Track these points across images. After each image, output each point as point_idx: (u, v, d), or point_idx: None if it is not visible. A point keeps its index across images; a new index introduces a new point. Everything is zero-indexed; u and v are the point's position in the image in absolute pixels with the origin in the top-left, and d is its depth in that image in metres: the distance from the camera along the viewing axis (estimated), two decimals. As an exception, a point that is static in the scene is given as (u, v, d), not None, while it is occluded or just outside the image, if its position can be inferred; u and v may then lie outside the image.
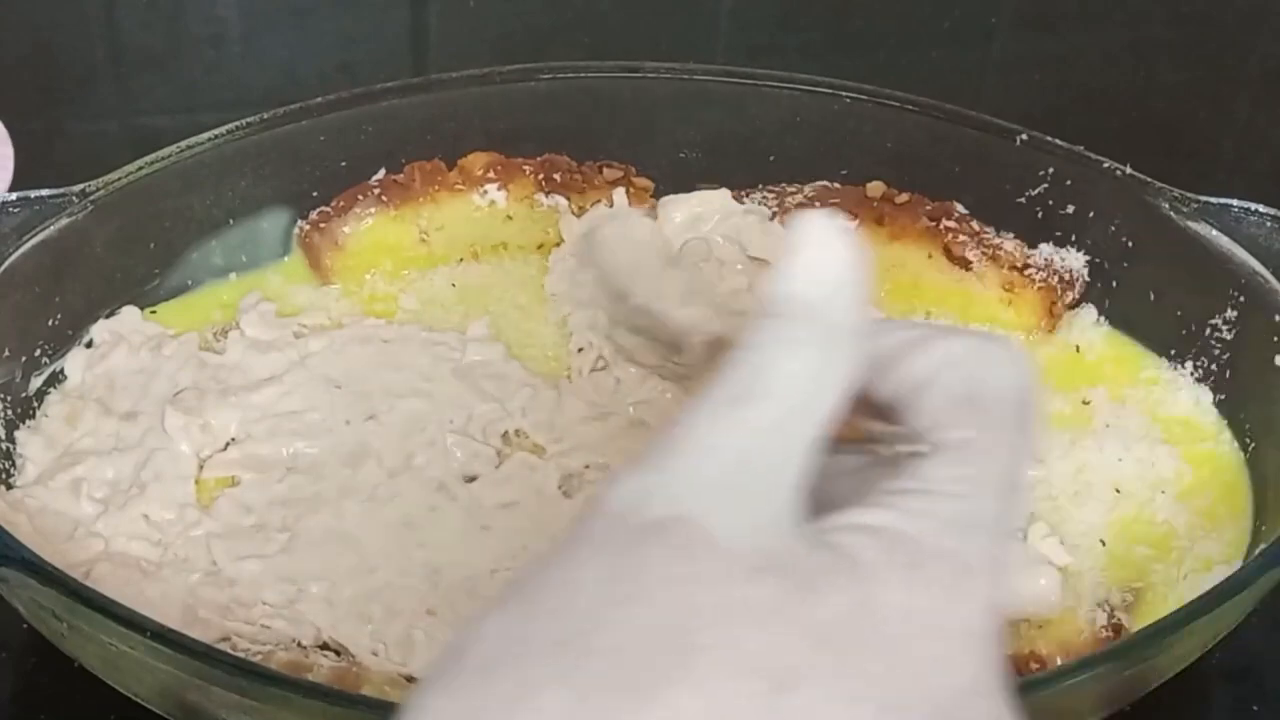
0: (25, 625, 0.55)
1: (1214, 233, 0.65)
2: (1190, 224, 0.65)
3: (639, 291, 0.45)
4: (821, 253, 0.35)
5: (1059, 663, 0.54)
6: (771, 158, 0.74)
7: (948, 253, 0.71)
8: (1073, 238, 0.70)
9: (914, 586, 0.32)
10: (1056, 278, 0.69)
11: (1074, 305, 0.69)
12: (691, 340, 0.53)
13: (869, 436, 0.37)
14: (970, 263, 0.70)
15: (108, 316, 0.67)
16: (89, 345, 0.66)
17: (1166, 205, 0.66)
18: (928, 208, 0.72)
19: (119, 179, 0.66)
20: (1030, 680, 0.50)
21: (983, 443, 0.35)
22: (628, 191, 0.73)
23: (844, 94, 0.73)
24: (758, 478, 0.32)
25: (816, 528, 0.33)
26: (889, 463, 0.35)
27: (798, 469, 0.33)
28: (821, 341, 0.34)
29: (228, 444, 0.62)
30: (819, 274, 0.35)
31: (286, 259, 0.72)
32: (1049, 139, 0.70)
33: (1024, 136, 0.71)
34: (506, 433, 0.63)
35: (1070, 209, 0.70)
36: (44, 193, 0.64)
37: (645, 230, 0.46)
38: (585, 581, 0.31)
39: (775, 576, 0.31)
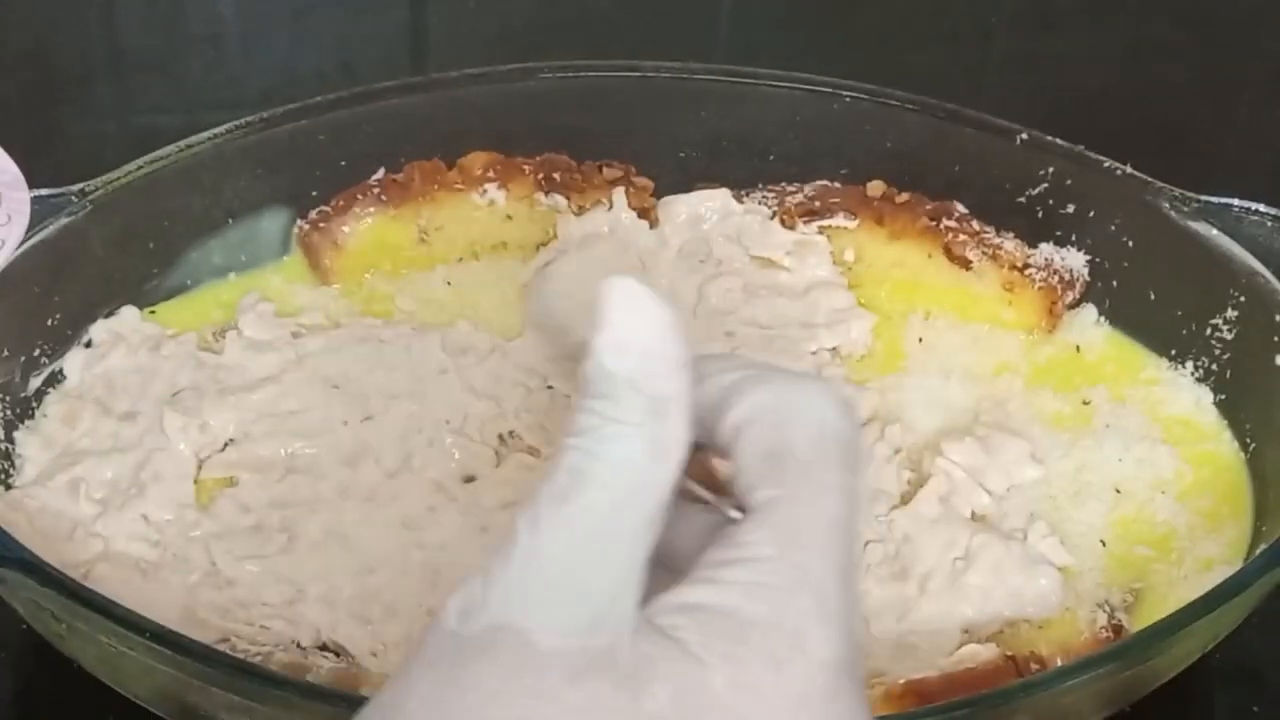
0: (25, 626, 0.55)
1: (1214, 232, 0.65)
2: (1191, 224, 0.65)
3: (580, 328, 0.44)
4: (630, 320, 0.34)
5: (1059, 663, 0.54)
6: (771, 157, 0.74)
7: (948, 252, 0.71)
8: (1073, 237, 0.70)
9: (735, 663, 0.31)
10: (1057, 277, 0.69)
11: (1074, 305, 0.69)
12: None
13: (705, 499, 0.37)
14: (970, 262, 0.70)
15: (107, 316, 0.67)
16: (88, 345, 0.66)
17: (1167, 205, 0.66)
18: (928, 207, 0.71)
19: (118, 178, 0.66)
20: (1030, 681, 0.50)
21: (791, 497, 0.34)
22: (627, 191, 0.73)
23: (844, 93, 0.73)
24: (585, 575, 0.32)
25: (645, 614, 0.33)
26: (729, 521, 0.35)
27: (629, 555, 0.33)
28: (646, 417, 0.34)
29: (226, 444, 0.62)
30: (632, 344, 0.34)
31: (286, 259, 0.72)
32: (1049, 138, 0.70)
33: (1024, 136, 0.71)
34: (503, 434, 0.63)
35: (1070, 208, 0.70)
36: (43, 192, 0.64)
37: (600, 265, 0.45)
38: (412, 708, 0.31)
39: (596, 675, 0.31)
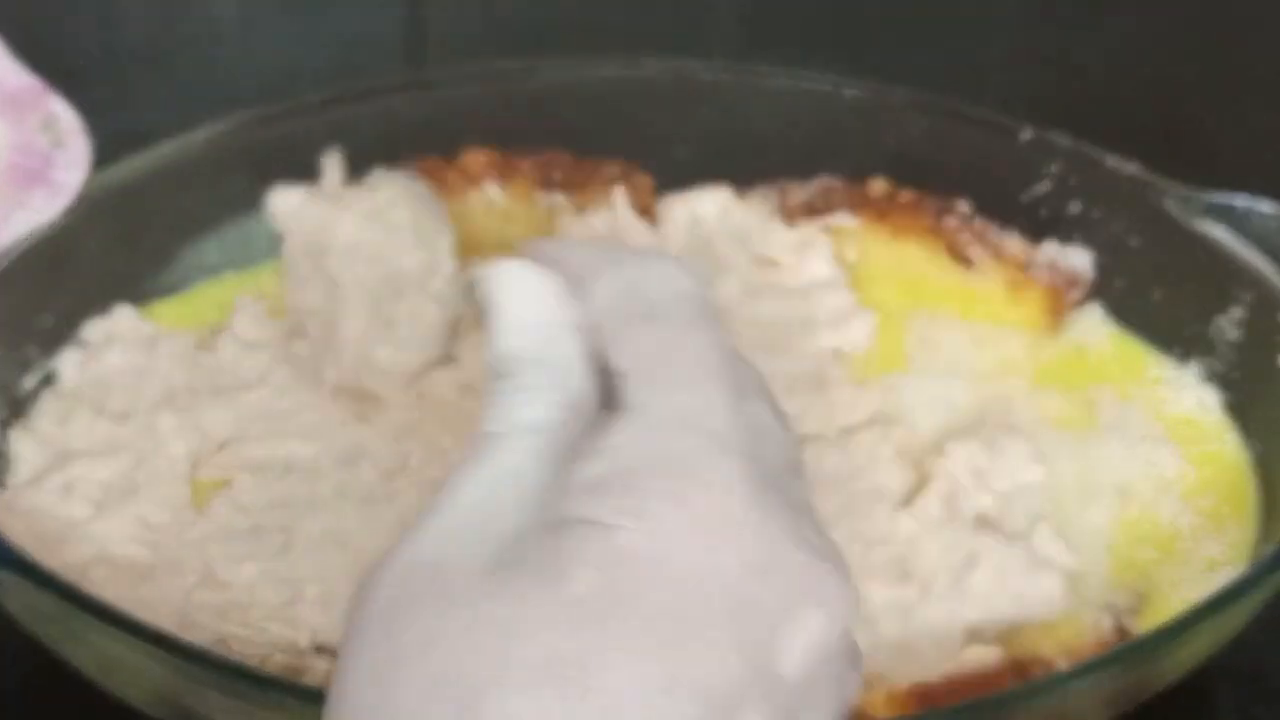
0: (20, 628, 0.54)
1: (1220, 231, 0.64)
2: (1196, 222, 0.65)
3: None
4: (517, 301, 0.37)
5: (1063, 666, 0.54)
6: (773, 156, 0.74)
7: (951, 251, 0.71)
8: (1077, 236, 0.69)
9: (643, 517, 0.32)
10: (1061, 276, 0.69)
11: (1079, 304, 0.69)
12: None
13: None
14: (973, 261, 0.70)
15: (101, 316, 0.66)
16: (83, 345, 0.65)
17: (1172, 203, 0.66)
18: (931, 206, 0.71)
19: (112, 177, 0.66)
20: (1034, 684, 0.50)
21: (655, 353, 0.35)
22: (628, 190, 0.73)
23: (845, 91, 0.73)
24: (498, 513, 0.33)
25: (547, 514, 0.34)
26: None
27: (539, 478, 0.34)
28: (552, 383, 0.36)
29: (222, 445, 0.62)
30: (524, 324, 0.36)
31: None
32: (1053, 136, 0.70)
33: (1028, 134, 0.70)
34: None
35: (1075, 207, 0.69)
36: (38, 191, 0.64)
37: None
38: (359, 673, 0.32)
39: (515, 580, 0.32)
